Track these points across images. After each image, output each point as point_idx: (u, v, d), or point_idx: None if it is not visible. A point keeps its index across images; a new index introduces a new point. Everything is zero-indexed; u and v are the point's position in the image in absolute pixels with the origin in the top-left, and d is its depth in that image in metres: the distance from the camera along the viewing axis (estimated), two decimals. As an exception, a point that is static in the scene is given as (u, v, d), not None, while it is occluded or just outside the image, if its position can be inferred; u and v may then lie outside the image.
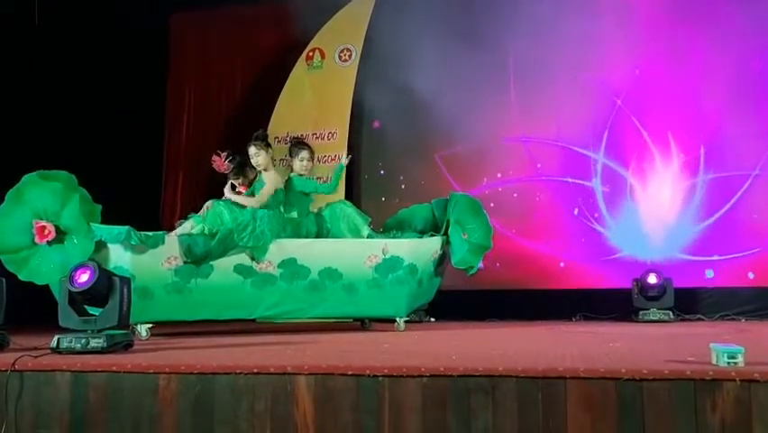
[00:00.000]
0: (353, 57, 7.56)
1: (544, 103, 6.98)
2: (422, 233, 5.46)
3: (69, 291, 3.67)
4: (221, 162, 5.56)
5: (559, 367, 2.74)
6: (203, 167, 6.68)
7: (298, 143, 5.60)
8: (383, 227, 5.66)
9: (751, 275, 6.46)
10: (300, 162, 5.47)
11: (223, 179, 5.55)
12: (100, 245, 4.49)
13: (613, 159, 6.89)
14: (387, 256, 5.17)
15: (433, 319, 6.51)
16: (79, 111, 7.42)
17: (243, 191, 5.41)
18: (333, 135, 7.34)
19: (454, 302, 6.48)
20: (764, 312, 6.27)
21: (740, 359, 2.67)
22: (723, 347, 2.72)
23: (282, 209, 5.29)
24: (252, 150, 5.26)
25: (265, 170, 5.28)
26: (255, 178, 5.41)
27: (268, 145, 5.32)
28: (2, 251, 4.31)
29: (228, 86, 8.26)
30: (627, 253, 6.81)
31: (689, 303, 6.41)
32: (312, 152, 5.56)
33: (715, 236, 6.57)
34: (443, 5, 7.04)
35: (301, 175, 5.47)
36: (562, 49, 6.87)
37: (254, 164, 5.30)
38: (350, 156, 6.03)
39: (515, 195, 7.04)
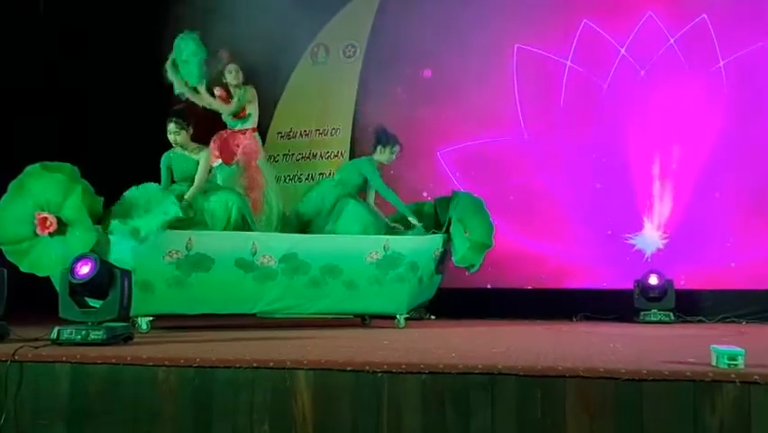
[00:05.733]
0: (357, 53, 7.56)
1: (548, 102, 6.96)
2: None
3: (70, 283, 3.67)
4: None
5: (559, 366, 2.73)
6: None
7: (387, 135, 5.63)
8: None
9: (753, 278, 6.43)
10: (391, 155, 5.62)
11: None
12: (101, 237, 4.48)
13: (617, 160, 6.86)
14: (388, 253, 5.17)
15: (433, 317, 6.50)
16: (83, 102, 7.40)
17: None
18: (336, 132, 7.35)
19: (455, 300, 6.48)
20: (766, 315, 6.25)
21: (740, 361, 2.66)
22: (723, 349, 2.71)
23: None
24: (172, 126, 5.00)
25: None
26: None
27: (188, 125, 5.06)
28: (3, 241, 4.32)
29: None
30: (629, 253, 6.80)
31: (690, 305, 6.38)
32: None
33: (718, 240, 6.55)
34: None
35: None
36: (567, 47, 6.88)
37: (171, 141, 5.06)
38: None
39: (517, 194, 7.02)
